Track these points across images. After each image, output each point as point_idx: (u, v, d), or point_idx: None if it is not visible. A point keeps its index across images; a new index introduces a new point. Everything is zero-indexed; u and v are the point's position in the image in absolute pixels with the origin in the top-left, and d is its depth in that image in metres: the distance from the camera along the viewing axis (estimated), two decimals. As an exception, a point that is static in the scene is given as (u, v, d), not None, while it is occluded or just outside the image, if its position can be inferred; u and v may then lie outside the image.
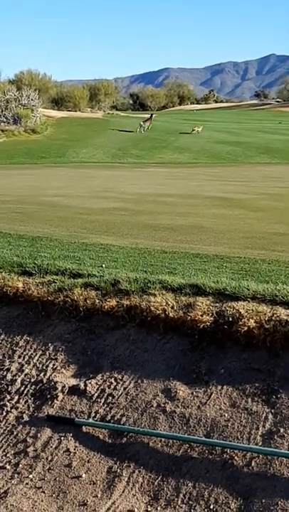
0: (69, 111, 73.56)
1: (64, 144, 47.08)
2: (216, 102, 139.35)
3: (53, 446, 5.38)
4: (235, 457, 4.93)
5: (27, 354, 6.34)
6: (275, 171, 33.03)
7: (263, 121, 77.31)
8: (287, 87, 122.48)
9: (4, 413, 5.81)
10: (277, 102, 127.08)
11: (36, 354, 6.31)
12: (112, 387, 5.77)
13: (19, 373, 6.16)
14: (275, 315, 5.69)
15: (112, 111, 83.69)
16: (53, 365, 6.14)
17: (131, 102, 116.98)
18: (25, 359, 6.29)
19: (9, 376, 6.15)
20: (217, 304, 6.01)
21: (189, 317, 5.95)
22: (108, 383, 5.81)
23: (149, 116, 60.17)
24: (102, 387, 5.79)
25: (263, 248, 8.94)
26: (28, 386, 6.00)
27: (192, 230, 10.68)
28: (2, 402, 5.92)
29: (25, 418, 5.71)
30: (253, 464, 4.86)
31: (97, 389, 5.78)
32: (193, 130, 57.32)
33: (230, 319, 5.80)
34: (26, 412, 5.77)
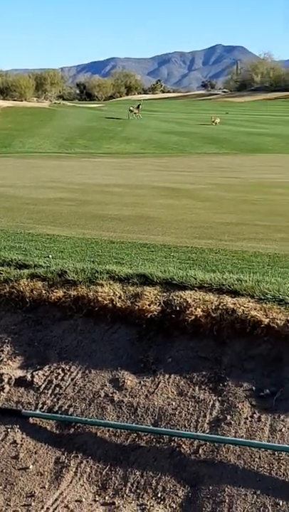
0: (15, 100, 72.79)
1: (10, 134, 46.59)
2: (164, 92, 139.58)
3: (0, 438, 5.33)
4: (183, 445, 4.96)
5: (-27, 346, 6.26)
6: (222, 161, 33.28)
7: (210, 111, 77.69)
8: (234, 78, 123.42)
9: None
10: (224, 92, 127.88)
11: (-18, 346, 6.23)
12: (60, 378, 5.73)
13: None
14: (221, 303, 5.73)
15: (58, 100, 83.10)
16: (-1, 356, 6.07)
17: (78, 91, 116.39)
18: (-29, 351, 6.21)
19: None
20: (164, 294, 6.02)
21: (137, 307, 5.95)
22: (55, 374, 5.78)
23: (137, 105, 61.91)
24: (49, 378, 5.75)
25: (210, 238, 8.99)
26: (-26, 378, 5.92)
27: (140, 220, 10.68)
28: None
29: (-29, 410, 5.63)
30: (200, 451, 4.89)
31: (45, 380, 5.74)
32: (213, 121, 57.91)
33: (178, 308, 5.81)
34: (-28, 404, 5.70)
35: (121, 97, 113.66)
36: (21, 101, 73.44)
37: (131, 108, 62.12)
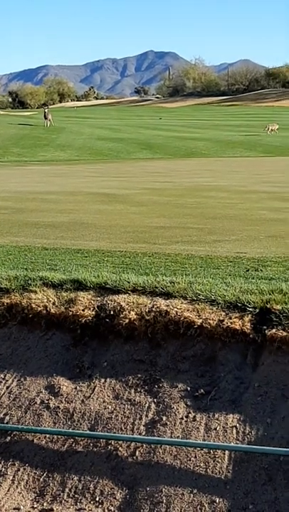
0: None
1: None
2: (97, 98, 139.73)
3: None
4: (120, 448, 4.98)
5: None
6: (156, 166, 33.48)
7: (143, 117, 78.21)
8: (166, 83, 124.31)
9: None
10: (157, 98, 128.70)
11: None
12: (-5, 386, 5.69)
13: None
14: (155, 306, 5.77)
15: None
16: None
17: (10, 100, 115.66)
18: None
19: None
20: (98, 298, 6.03)
21: (71, 312, 5.95)
22: (-10, 383, 5.73)
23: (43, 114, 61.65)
24: (-16, 387, 5.70)
25: (144, 242, 9.04)
26: None
27: (74, 227, 10.67)
28: None
29: None
30: (137, 453, 4.92)
31: (-21, 389, 5.68)
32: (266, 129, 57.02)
33: (112, 312, 5.83)
34: None
35: (54, 104, 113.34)
36: None
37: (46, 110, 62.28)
